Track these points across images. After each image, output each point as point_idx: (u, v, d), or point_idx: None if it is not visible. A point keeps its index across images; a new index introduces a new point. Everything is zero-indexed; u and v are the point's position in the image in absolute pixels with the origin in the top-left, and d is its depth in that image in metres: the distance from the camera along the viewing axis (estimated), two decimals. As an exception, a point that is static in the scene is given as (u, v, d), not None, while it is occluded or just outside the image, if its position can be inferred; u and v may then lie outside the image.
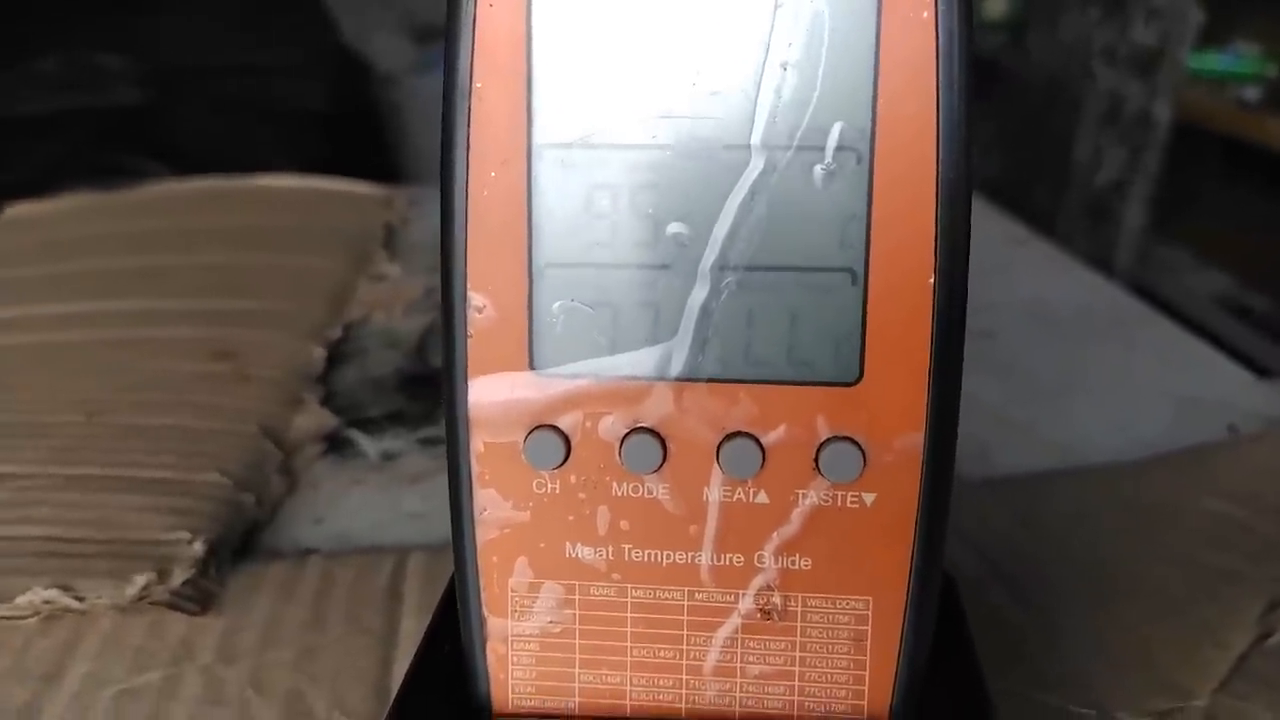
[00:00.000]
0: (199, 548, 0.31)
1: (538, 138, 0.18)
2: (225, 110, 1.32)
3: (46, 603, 0.28)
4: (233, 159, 0.70)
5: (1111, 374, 0.46)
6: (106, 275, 0.52)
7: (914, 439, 0.18)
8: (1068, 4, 1.60)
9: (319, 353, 0.45)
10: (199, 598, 0.30)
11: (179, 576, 0.30)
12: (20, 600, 0.28)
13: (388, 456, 0.39)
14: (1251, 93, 1.41)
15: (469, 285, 0.18)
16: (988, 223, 0.67)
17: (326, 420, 0.41)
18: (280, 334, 0.46)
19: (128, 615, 0.29)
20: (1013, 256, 0.61)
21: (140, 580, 0.29)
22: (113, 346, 0.44)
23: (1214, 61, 1.51)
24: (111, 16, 1.30)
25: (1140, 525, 0.32)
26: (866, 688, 0.19)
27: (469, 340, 0.19)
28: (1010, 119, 1.69)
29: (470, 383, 0.19)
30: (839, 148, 0.18)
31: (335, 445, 0.40)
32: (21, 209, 0.62)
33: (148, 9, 1.31)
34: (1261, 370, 0.47)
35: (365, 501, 0.37)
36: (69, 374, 0.42)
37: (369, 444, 0.40)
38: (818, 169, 0.18)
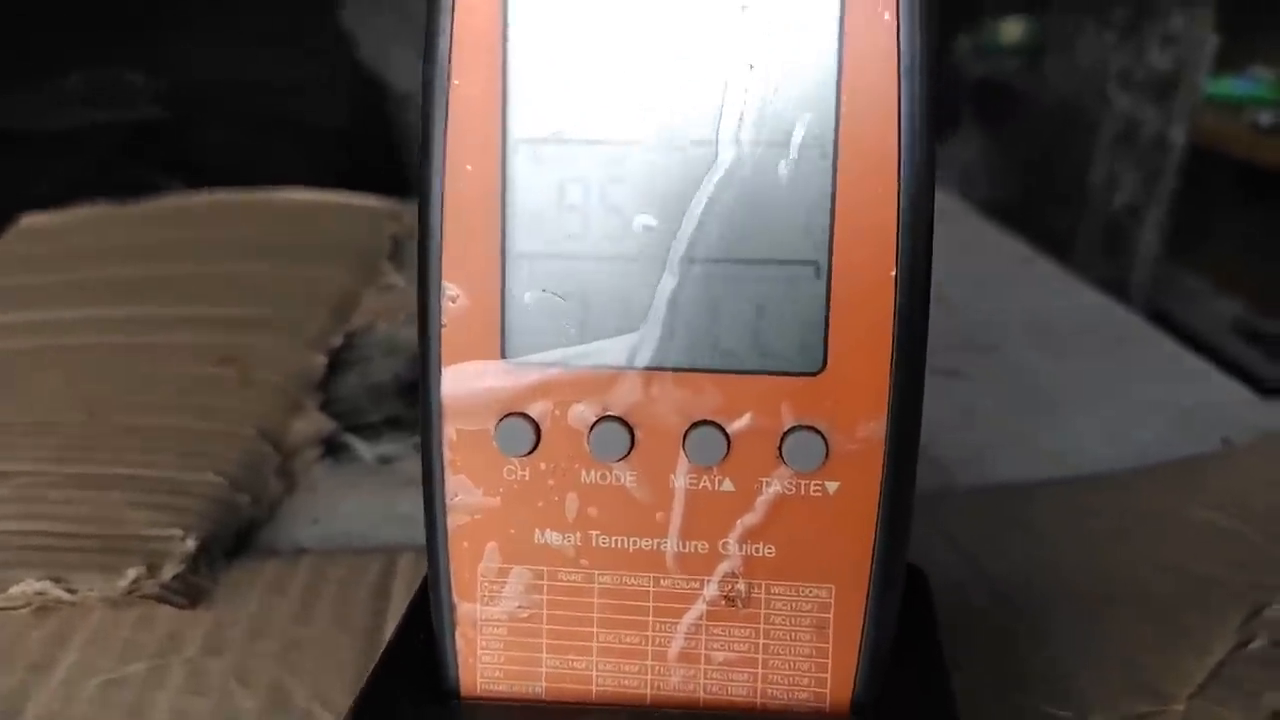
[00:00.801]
0: (190, 544, 0.31)
1: (512, 132, 0.19)
2: (245, 127, 1.35)
3: (39, 594, 0.29)
4: (251, 175, 0.71)
5: (1110, 388, 0.46)
6: (117, 283, 0.52)
7: (876, 429, 0.19)
8: (1084, 28, 1.60)
9: (320, 360, 0.45)
10: (188, 592, 0.30)
11: (169, 571, 0.30)
12: (13, 591, 0.29)
13: (384, 460, 0.40)
14: (1267, 117, 1.41)
15: (444, 275, 0.19)
16: (992, 240, 0.68)
17: (325, 425, 0.41)
18: (284, 341, 0.47)
19: (118, 608, 0.29)
20: (1017, 274, 0.62)
21: (131, 574, 0.30)
22: (119, 350, 0.45)
23: (1230, 86, 1.51)
24: (135, 35, 1.33)
25: (1130, 533, 0.32)
26: (829, 675, 0.19)
27: (442, 329, 0.19)
28: (1026, 143, 1.70)
29: (443, 371, 0.19)
30: (803, 143, 0.18)
31: (333, 449, 0.40)
32: (36, 219, 0.63)
33: (170, 28, 1.33)
34: (1267, 390, 0.47)
35: (361, 504, 0.37)
36: (75, 376, 0.42)
37: (366, 448, 0.41)
38: (782, 164, 0.18)
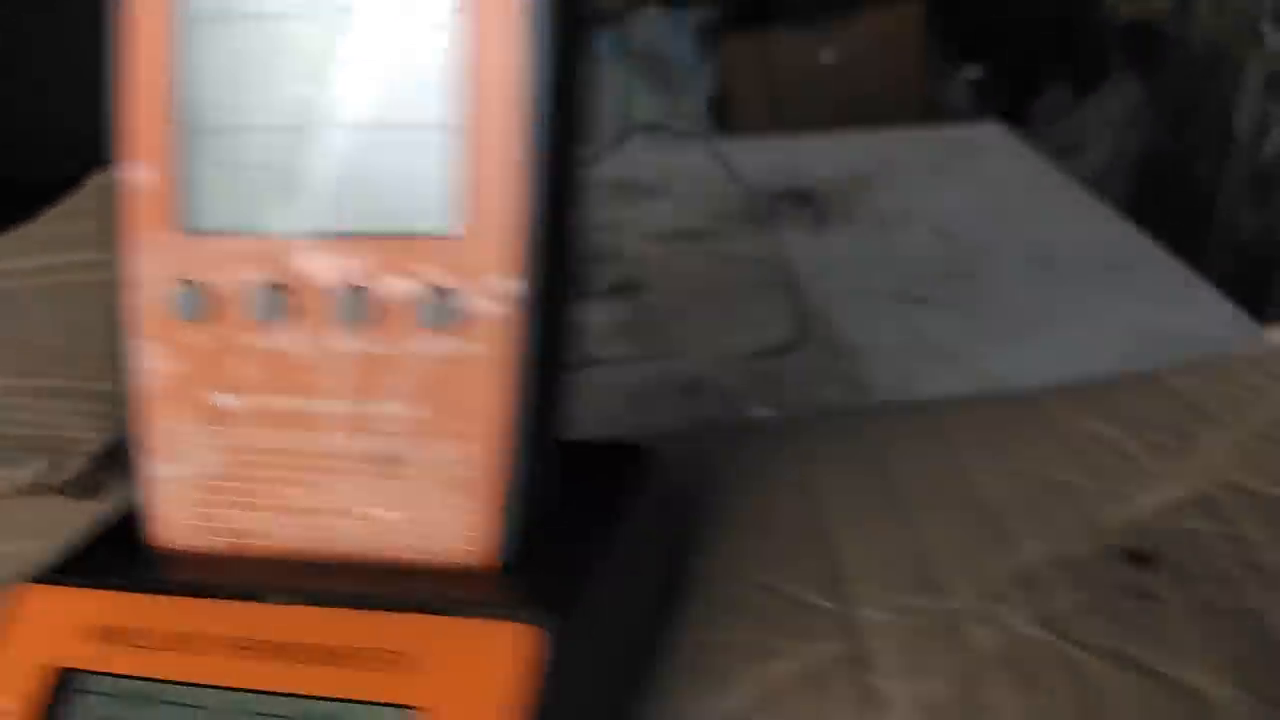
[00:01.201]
0: (97, 446, 0.34)
1: (186, 8, 0.20)
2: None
3: (-48, 482, 0.32)
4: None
5: (1094, 316, 0.44)
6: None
7: (514, 290, 0.19)
8: (1237, -39, 1.48)
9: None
10: (88, 485, 0.33)
11: (72, 468, 0.33)
12: (-70, 478, 0.32)
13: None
14: None
15: (126, 150, 0.20)
16: (1031, 172, 0.64)
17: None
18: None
19: (25, 496, 0.32)
20: (1042, 205, 0.58)
21: (36, 467, 0.33)
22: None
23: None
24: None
25: (1003, 443, 0.31)
26: (475, 533, 0.19)
27: (127, 202, 0.20)
28: (1171, 86, 1.58)
29: (129, 241, 0.20)
30: (433, 6, 0.18)
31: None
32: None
33: None
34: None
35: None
36: (72, 307, 0.46)
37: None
38: (416, 27, 0.19)
